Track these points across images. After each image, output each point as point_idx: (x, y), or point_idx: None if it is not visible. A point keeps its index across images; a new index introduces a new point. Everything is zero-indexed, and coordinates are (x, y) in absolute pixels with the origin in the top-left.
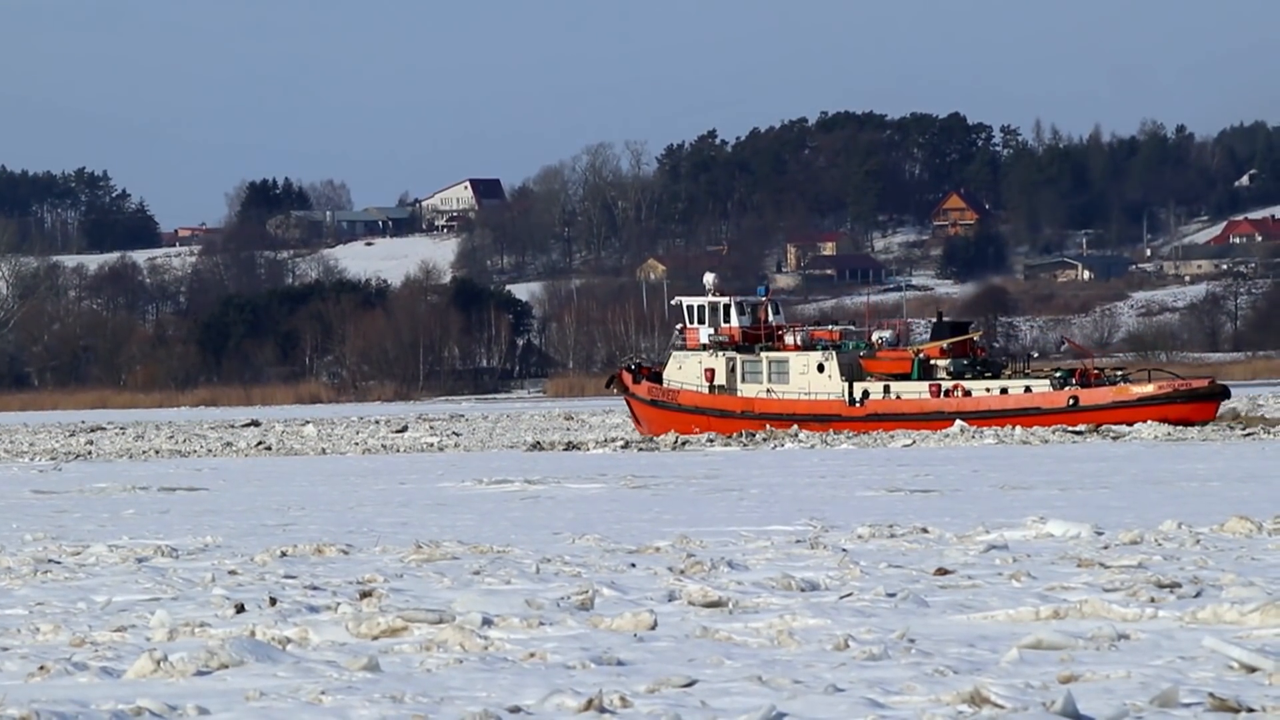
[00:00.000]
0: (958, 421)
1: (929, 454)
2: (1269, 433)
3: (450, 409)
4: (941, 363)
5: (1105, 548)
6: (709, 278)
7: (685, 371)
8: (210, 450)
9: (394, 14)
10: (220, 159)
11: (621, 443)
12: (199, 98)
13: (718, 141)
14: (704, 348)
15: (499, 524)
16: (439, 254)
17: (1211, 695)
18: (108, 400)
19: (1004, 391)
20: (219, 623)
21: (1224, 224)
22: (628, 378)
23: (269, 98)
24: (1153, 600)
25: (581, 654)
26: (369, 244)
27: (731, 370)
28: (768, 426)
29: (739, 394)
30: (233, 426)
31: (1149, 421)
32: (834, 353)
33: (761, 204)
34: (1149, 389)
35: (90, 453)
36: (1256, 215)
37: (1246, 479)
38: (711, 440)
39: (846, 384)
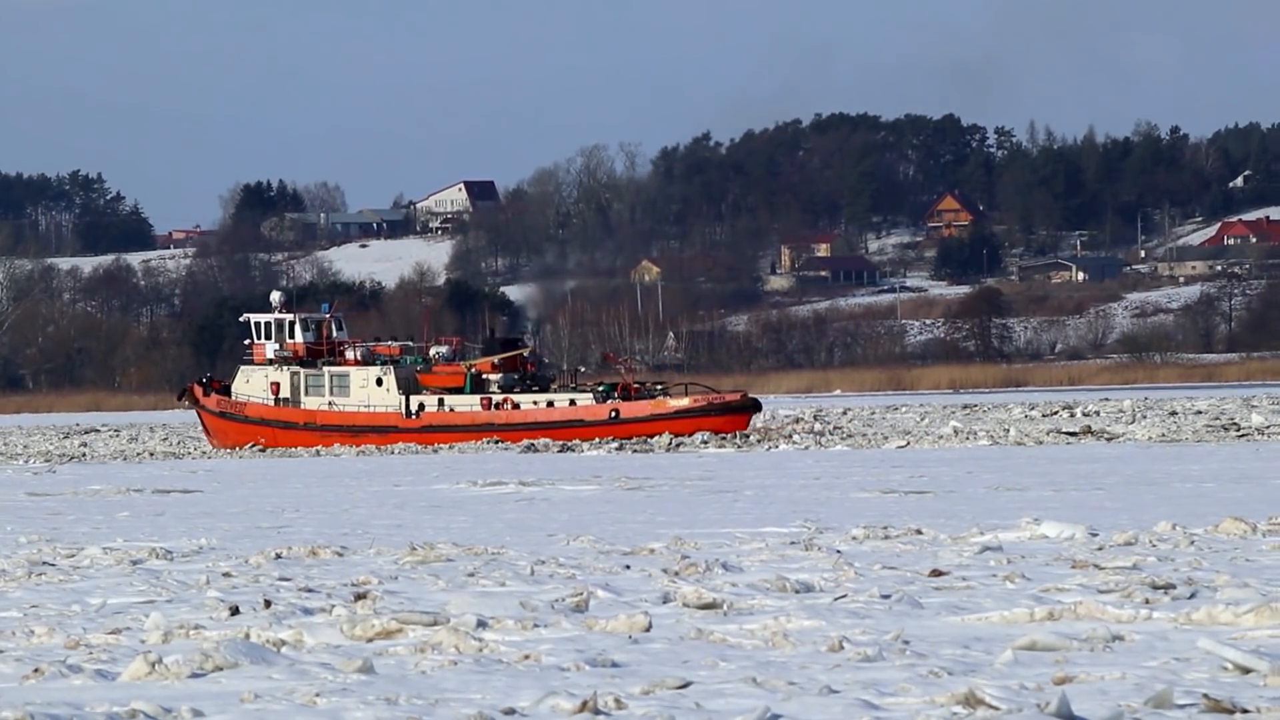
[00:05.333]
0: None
1: (923, 455)
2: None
3: None
4: (493, 377)
5: (1100, 549)
6: (275, 295)
7: (252, 385)
8: (204, 452)
9: (388, 16)
10: (214, 161)
11: (616, 445)
12: (193, 100)
13: (712, 143)
14: (270, 362)
15: (493, 526)
16: (433, 256)
17: (1206, 696)
18: (102, 402)
19: (550, 404)
20: (214, 625)
21: (1218, 225)
22: (199, 391)
23: (263, 100)
24: (1147, 601)
25: (576, 656)
26: (363, 246)
27: (296, 384)
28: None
29: (302, 407)
30: None
31: (687, 434)
32: (392, 367)
33: (756, 206)
34: (685, 402)
35: (84, 455)
36: (1250, 216)
37: (1241, 480)
38: (706, 441)
39: (403, 397)
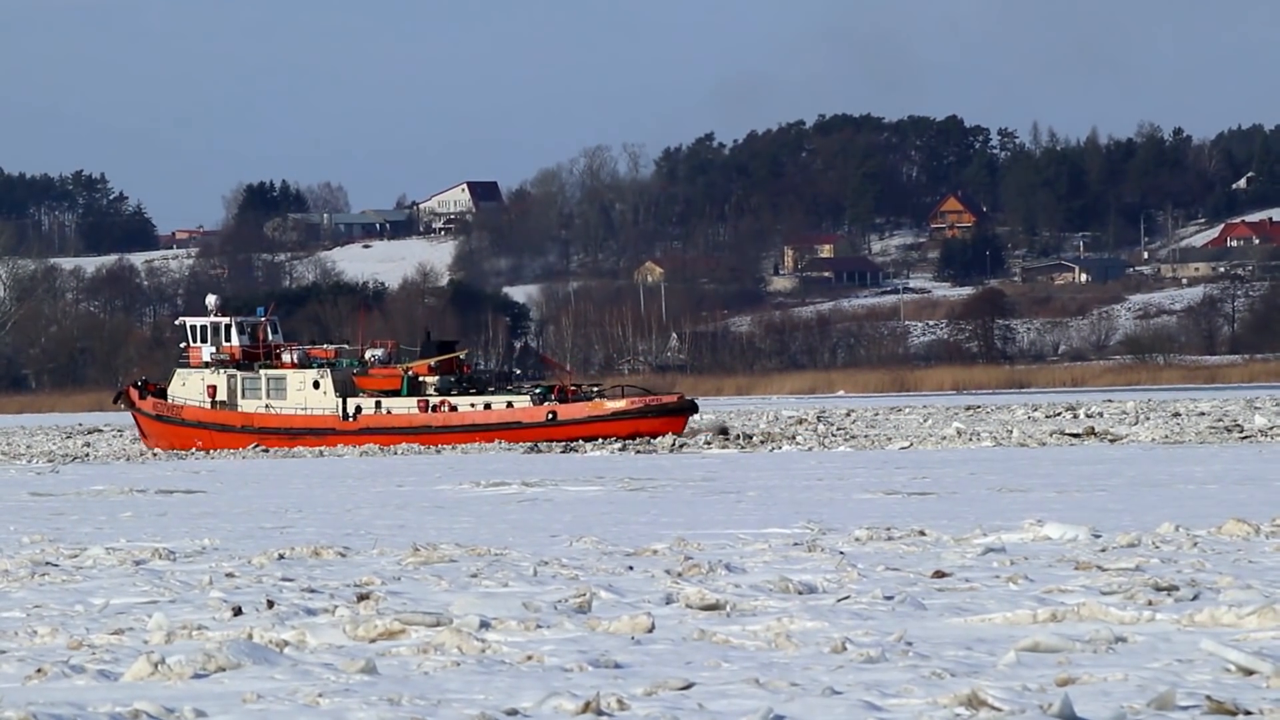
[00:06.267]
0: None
1: (926, 456)
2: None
3: None
4: (430, 379)
5: (1103, 550)
6: (211, 299)
7: (189, 388)
8: (209, 453)
9: (391, 17)
10: (217, 162)
11: (619, 445)
12: (197, 100)
13: (715, 144)
14: (206, 365)
15: (496, 526)
16: (436, 256)
17: (1209, 698)
18: (105, 402)
19: (488, 407)
20: (216, 625)
21: (1221, 227)
22: (134, 393)
23: (266, 100)
24: (1150, 603)
25: (579, 656)
26: (366, 246)
27: (232, 387)
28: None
29: (239, 409)
30: None
31: (624, 436)
32: (329, 370)
33: (759, 207)
34: (621, 404)
35: (88, 455)
36: (1254, 218)
37: (1244, 481)
38: (709, 442)
39: (340, 399)
